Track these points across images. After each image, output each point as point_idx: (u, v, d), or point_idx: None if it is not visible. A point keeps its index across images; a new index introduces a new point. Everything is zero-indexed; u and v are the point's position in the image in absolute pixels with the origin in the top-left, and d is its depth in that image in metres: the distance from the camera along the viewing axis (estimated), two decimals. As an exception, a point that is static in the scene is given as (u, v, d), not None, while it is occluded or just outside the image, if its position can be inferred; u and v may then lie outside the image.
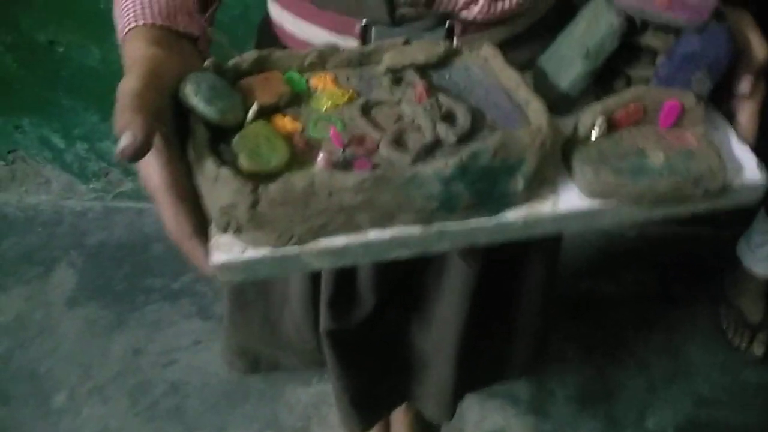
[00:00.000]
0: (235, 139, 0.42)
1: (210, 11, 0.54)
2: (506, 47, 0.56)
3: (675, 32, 0.47)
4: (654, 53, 0.50)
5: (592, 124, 0.46)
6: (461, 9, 0.51)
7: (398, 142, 0.45)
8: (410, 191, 0.41)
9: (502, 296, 0.86)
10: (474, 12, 0.51)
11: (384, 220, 0.43)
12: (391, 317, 0.85)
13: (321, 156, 0.42)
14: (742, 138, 0.51)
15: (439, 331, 0.86)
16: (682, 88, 0.47)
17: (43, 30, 1.24)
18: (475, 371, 0.97)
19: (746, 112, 0.50)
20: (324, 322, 0.76)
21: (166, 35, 0.48)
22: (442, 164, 0.41)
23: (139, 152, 0.38)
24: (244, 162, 0.41)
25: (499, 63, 0.48)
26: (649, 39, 0.48)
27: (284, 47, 0.57)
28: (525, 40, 0.56)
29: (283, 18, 0.56)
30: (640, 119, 0.47)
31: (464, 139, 0.45)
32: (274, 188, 0.40)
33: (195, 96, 0.42)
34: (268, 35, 0.60)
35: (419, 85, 0.47)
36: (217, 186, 0.40)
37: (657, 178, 0.44)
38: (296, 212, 0.41)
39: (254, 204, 0.40)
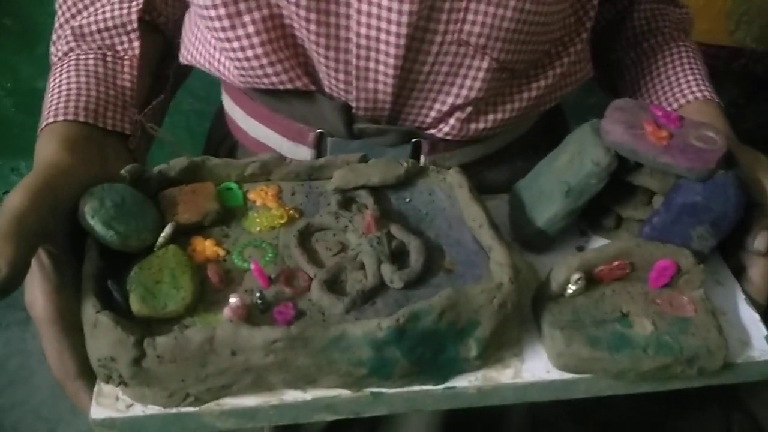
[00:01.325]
0: (132, 272, 0.35)
1: (153, 105, 0.48)
2: (481, 166, 0.49)
3: (676, 174, 0.39)
4: (651, 193, 0.42)
5: (566, 280, 0.38)
6: (429, 127, 0.44)
7: (334, 282, 0.38)
8: (333, 355, 0.34)
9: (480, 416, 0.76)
10: (444, 131, 0.44)
11: (302, 383, 0.35)
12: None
13: (231, 302, 0.34)
14: (752, 299, 0.42)
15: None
16: (680, 242, 0.39)
17: (42, 78, 1.22)
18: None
19: (759, 270, 0.42)
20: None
21: (87, 133, 0.42)
22: (374, 326, 0.33)
23: (5, 286, 0.31)
24: (134, 304, 0.34)
25: (465, 195, 0.41)
26: (645, 179, 0.41)
27: (235, 143, 0.51)
28: (504, 158, 0.50)
29: (235, 113, 0.50)
30: (625, 275, 0.39)
31: (413, 284, 0.38)
32: (163, 342, 0.32)
33: (93, 217, 0.36)
34: (220, 127, 0.54)
35: (368, 215, 0.40)
36: (96, 333, 0.33)
37: (640, 354, 0.36)
38: (191, 371, 0.33)
39: (138, 360, 0.32)
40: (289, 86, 0.42)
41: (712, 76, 1.21)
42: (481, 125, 0.44)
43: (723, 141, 0.38)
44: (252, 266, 0.37)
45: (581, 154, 0.41)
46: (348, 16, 0.38)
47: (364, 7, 0.37)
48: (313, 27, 0.38)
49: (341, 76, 0.41)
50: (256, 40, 0.39)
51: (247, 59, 0.40)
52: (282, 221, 0.41)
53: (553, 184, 0.42)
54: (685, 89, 0.49)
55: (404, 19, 0.37)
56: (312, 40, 0.39)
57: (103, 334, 0.32)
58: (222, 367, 0.33)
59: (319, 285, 0.37)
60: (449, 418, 0.72)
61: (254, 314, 0.36)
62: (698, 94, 0.49)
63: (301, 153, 0.46)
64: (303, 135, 0.45)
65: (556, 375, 0.37)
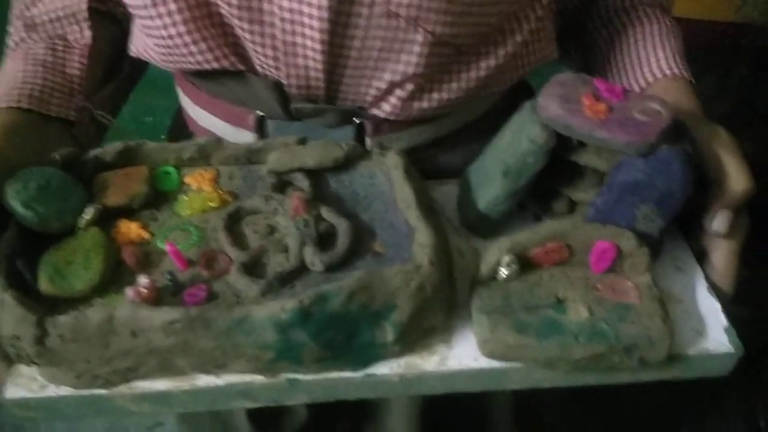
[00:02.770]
0: (46, 253, 0.35)
1: (101, 92, 0.48)
2: (434, 149, 0.47)
3: (621, 152, 0.36)
4: (601, 174, 0.39)
5: (496, 262, 0.36)
6: (370, 106, 0.43)
7: (255, 265, 0.37)
8: (237, 338, 0.32)
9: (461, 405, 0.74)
10: (386, 111, 0.42)
11: (211, 366, 0.34)
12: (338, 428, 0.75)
13: (140, 283, 0.34)
14: (715, 286, 0.39)
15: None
16: (625, 224, 0.36)
17: None
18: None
19: (721, 254, 0.39)
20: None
21: (29, 120, 0.43)
22: (278, 308, 0.32)
23: None
24: (42, 283, 0.34)
25: (399, 176, 0.39)
26: (590, 158, 0.38)
27: (191, 135, 0.50)
28: (459, 141, 0.47)
29: (185, 102, 0.49)
30: (565, 259, 0.37)
31: (336, 267, 0.36)
32: (63, 321, 0.32)
33: (14, 198, 0.36)
34: (178, 120, 0.53)
35: (295, 197, 0.38)
36: (3, 312, 0.32)
37: (571, 341, 0.34)
38: (94, 351, 0.33)
39: (40, 338, 0.32)
40: (215, 65, 0.41)
41: (720, 54, 1.14)
42: (425, 104, 0.42)
43: (668, 113, 0.35)
44: (167, 248, 0.36)
45: (519, 132, 0.38)
46: None
47: None
48: (234, 1, 0.37)
49: (269, 53, 0.40)
50: (178, 17, 0.38)
51: (170, 37, 0.39)
52: (213, 204, 0.40)
53: (495, 165, 0.40)
54: (653, 66, 0.46)
55: None
56: (234, 15, 0.38)
57: (7, 313, 0.32)
58: (124, 349, 0.33)
59: (237, 267, 0.36)
60: (432, 408, 0.70)
61: (165, 296, 0.35)
62: (667, 71, 0.46)
63: (244, 138, 0.45)
64: (243, 119, 0.44)
65: (484, 363, 0.35)
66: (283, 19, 0.38)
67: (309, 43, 0.39)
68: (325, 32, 0.38)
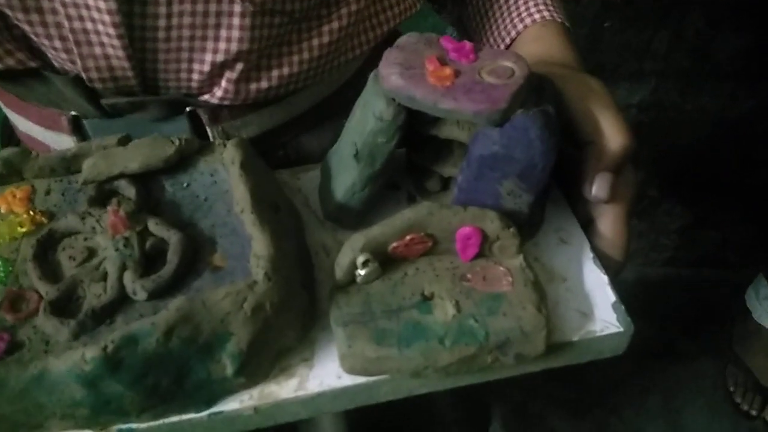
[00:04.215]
0: None
1: None
2: (293, 131, 0.42)
3: (473, 123, 0.32)
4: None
5: (351, 263, 0.31)
6: (200, 93, 0.37)
7: (68, 300, 0.31)
8: (39, 398, 0.27)
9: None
10: (218, 96, 0.37)
11: (25, 430, 0.29)
12: None
13: None
14: (603, 257, 0.35)
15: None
16: (491, 203, 0.32)
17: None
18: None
19: (607, 220, 0.35)
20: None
21: None
22: (78, 358, 0.27)
23: None
24: None
25: (235, 173, 0.34)
26: (452, 130, 0.34)
27: (18, 142, 0.44)
28: (321, 119, 0.42)
29: (4, 108, 0.42)
30: (431, 248, 0.32)
31: (165, 292, 0.31)
32: None
33: None
34: (6, 126, 0.46)
35: (111, 211, 0.33)
36: None
37: (436, 346, 0.30)
38: None
39: None
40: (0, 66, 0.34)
41: (672, 7, 1.09)
42: (264, 84, 0.37)
43: (523, 71, 0.31)
44: (-44, 295, 0.30)
45: (365, 107, 0.33)
46: None
47: None
48: None
49: (58, 44, 0.33)
50: None
51: None
52: (24, 229, 0.34)
53: (348, 147, 0.35)
54: (523, 12, 0.41)
55: None
56: (3, 4, 0.31)
57: None
58: None
59: (44, 307, 0.30)
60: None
61: (-45, 355, 0.29)
62: (536, 16, 0.41)
63: (64, 142, 0.39)
64: (57, 121, 0.38)
65: (349, 380, 0.31)
66: (65, 4, 0.31)
67: (102, 27, 0.32)
68: (115, 14, 0.31)
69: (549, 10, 0.41)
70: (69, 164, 0.37)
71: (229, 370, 0.29)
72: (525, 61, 0.31)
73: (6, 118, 0.47)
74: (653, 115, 1.23)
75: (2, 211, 0.36)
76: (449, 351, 0.30)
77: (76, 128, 0.38)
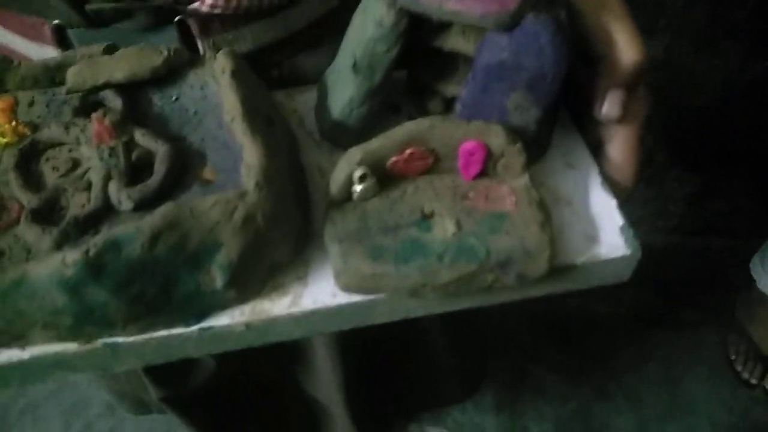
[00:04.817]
0: None
1: None
2: (290, 49, 0.40)
3: (480, 28, 0.30)
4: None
5: (347, 178, 0.30)
6: (189, 1, 0.35)
7: (50, 210, 0.30)
8: (19, 304, 0.26)
9: (387, 340, 0.71)
10: (208, 3, 0.35)
11: (6, 338, 0.28)
12: (261, 367, 0.71)
13: None
14: (612, 181, 0.34)
15: (324, 379, 0.72)
16: (497, 117, 0.31)
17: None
18: (384, 413, 0.83)
19: (617, 142, 0.34)
20: (153, 391, 0.62)
21: None
22: (59, 262, 0.26)
23: None
24: None
25: (225, 82, 0.32)
26: (456, 41, 0.32)
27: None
28: (321, 37, 0.40)
29: None
30: (432, 166, 0.31)
31: (152, 203, 0.30)
32: None
33: None
34: None
35: (96, 120, 0.31)
36: None
37: (434, 263, 0.29)
38: None
39: None
40: None
41: None
42: None
43: (534, -27, 0.29)
44: (-68, 200, 0.29)
45: (365, 14, 0.31)
46: None
47: None
48: None
49: None
50: None
51: None
52: (5, 140, 0.33)
53: (346, 59, 0.33)
54: None
55: None
56: None
57: None
58: None
59: (26, 215, 0.29)
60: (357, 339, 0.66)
61: (-68, 260, 0.28)
62: None
63: (47, 54, 0.37)
64: (39, 30, 0.36)
65: (344, 299, 0.30)
66: None
67: None
68: None
69: None
70: (53, 74, 0.35)
71: (219, 281, 0.28)
72: (538, -38, 0.29)
73: None
74: (664, 75, 1.20)
75: (-17, 122, 0.34)
76: (448, 268, 0.29)
77: (60, 39, 0.36)
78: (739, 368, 1.23)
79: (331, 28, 0.40)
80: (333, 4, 0.40)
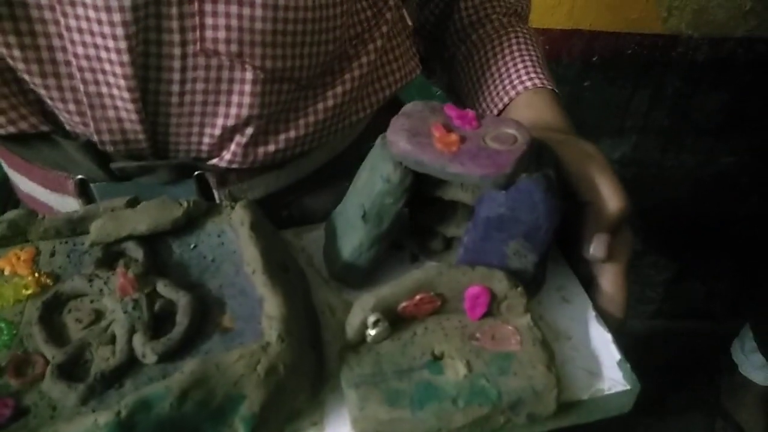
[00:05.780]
0: None
1: None
2: (297, 193, 0.43)
3: (479, 187, 0.33)
4: (473, 208, 0.36)
5: (361, 323, 0.32)
6: (209, 157, 0.38)
7: (75, 364, 0.31)
8: (46, 466, 0.27)
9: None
10: (226, 159, 0.38)
11: (27, 500, 0.28)
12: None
13: None
14: (605, 314, 0.37)
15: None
16: (497, 262, 0.34)
17: None
18: None
19: (607, 279, 0.37)
20: None
21: None
22: (91, 424, 0.27)
23: None
24: None
25: (245, 234, 0.35)
26: (456, 192, 0.35)
27: (18, 202, 0.44)
28: (324, 181, 0.44)
29: (6, 168, 0.43)
30: (439, 307, 0.33)
31: (174, 355, 0.31)
32: None
33: None
34: (5, 187, 0.47)
35: (120, 273, 0.33)
36: None
37: (449, 407, 0.30)
38: None
39: None
40: (12, 130, 0.35)
41: (651, 66, 1.14)
42: (272, 147, 0.38)
43: (525, 137, 0.33)
44: (-39, 360, 0.30)
45: (373, 170, 0.35)
46: (60, 35, 0.32)
47: (73, 22, 0.31)
48: (17, 53, 0.32)
49: (72, 107, 0.35)
50: None
51: None
52: (29, 292, 0.35)
53: (354, 209, 0.36)
54: (515, 80, 0.44)
55: (119, 31, 0.31)
56: (24, 70, 0.33)
57: None
58: None
59: (52, 371, 0.31)
60: None
61: (-42, 423, 0.29)
62: (528, 84, 0.43)
63: (69, 205, 0.39)
64: (63, 184, 0.39)
65: None
66: (81, 69, 0.33)
67: (117, 92, 0.34)
68: (131, 78, 0.33)
69: (540, 78, 0.44)
70: (75, 226, 0.38)
71: (241, 434, 0.30)
72: (526, 128, 0.33)
73: (6, 178, 0.48)
74: (635, 171, 1.28)
75: (6, 273, 0.36)
76: (463, 412, 0.30)
77: (82, 191, 0.39)
78: None
79: (335, 171, 0.43)
80: (336, 152, 0.44)
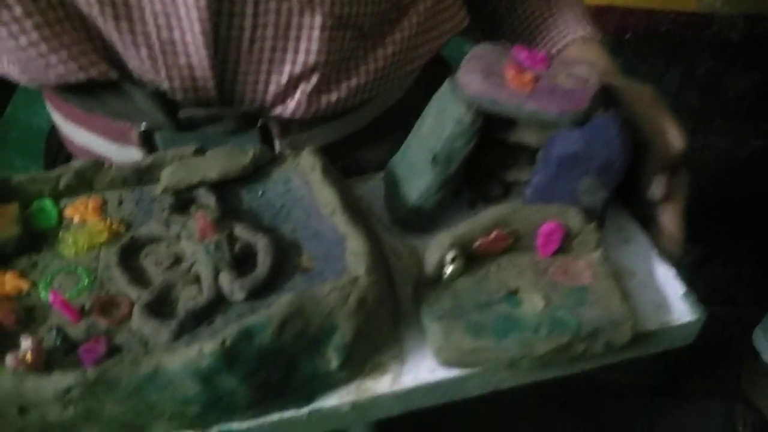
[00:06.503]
0: None
1: None
2: (354, 145, 0.44)
3: (554, 124, 0.34)
4: (535, 151, 0.37)
5: (440, 260, 0.33)
6: (273, 106, 0.39)
7: (162, 303, 0.32)
8: (150, 396, 0.28)
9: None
10: (290, 108, 0.39)
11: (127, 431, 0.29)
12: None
13: (22, 346, 0.28)
14: (666, 252, 0.38)
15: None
16: (567, 200, 0.35)
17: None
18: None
19: (668, 217, 0.38)
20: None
21: None
22: (196, 353, 0.27)
23: None
24: None
25: (318, 178, 0.36)
26: (522, 134, 0.36)
27: (69, 155, 0.44)
28: (379, 132, 0.44)
29: (57, 119, 0.43)
30: (511, 245, 0.34)
31: (260, 293, 0.32)
32: None
33: None
34: (54, 139, 0.47)
35: (200, 216, 0.34)
36: None
37: (531, 337, 0.31)
38: (-30, 441, 0.27)
39: None
40: (82, 76, 0.35)
41: (683, 45, 1.14)
42: (334, 96, 0.39)
43: (597, 77, 0.34)
44: (51, 298, 0.31)
45: (442, 114, 0.36)
46: None
47: None
48: None
49: (143, 53, 0.35)
50: (28, 24, 0.33)
51: (23, 48, 0.34)
52: (102, 238, 0.35)
53: (421, 153, 0.37)
54: (563, 30, 0.45)
55: None
56: (97, 14, 0.33)
57: None
58: (15, 430, 0.27)
59: (140, 310, 0.31)
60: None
61: (56, 358, 0.29)
62: (578, 33, 0.45)
63: (130, 155, 0.40)
64: (126, 134, 0.39)
65: (442, 374, 0.32)
66: (155, 14, 0.33)
67: (189, 38, 0.34)
68: (206, 23, 0.33)
69: (589, 28, 0.45)
70: (142, 175, 0.38)
71: (334, 363, 0.30)
72: (595, 68, 0.34)
73: (52, 134, 0.48)
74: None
75: (75, 221, 0.36)
76: (544, 340, 0.31)
77: (146, 141, 0.39)
78: None
79: (388, 123, 0.44)
80: (390, 103, 0.44)
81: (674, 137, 0.36)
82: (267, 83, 0.37)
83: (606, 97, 0.35)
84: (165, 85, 0.36)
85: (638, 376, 1.34)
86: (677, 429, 1.30)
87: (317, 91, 0.38)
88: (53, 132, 0.46)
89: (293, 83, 0.38)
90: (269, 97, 0.38)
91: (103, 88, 0.38)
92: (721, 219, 1.35)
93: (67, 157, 0.45)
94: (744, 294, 1.42)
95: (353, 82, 0.39)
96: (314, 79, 0.38)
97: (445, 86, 0.36)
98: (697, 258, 1.40)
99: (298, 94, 0.38)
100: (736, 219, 1.35)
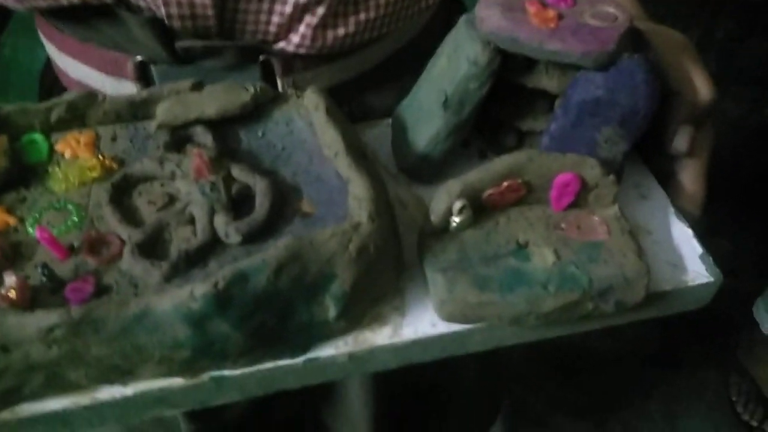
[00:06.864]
0: None
1: None
2: (361, 87, 0.42)
3: (575, 68, 0.32)
4: (553, 98, 0.35)
5: (447, 209, 0.31)
6: (276, 39, 0.36)
7: (154, 243, 0.30)
8: (139, 339, 0.27)
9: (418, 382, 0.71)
10: (294, 42, 0.36)
11: (114, 375, 0.28)
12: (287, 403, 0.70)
13: (6, 282, 0.27)
14: (684, 210, 0.36)
15: (352, 419, 0.72)
16: (586, 150, 0.33)
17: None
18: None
19: (689, 174, 0.36)
20: (184, 424, 0.61)
21: None
22: (187, 295, 0.26)
23: None
24: None
25: (321, 118, 0.34)
26: (540, 79, 0.34)
27: (64, 89, 0.42)
28: (388, 75, 0.42)
29: (51, 50, 0.41)
30: (522, 197, 0.33)
31: (257, 236, 0.31)
32: None
33: None
34: (48, 72, 0.45)
35: (196, 155, 0.32)
36: None
37: (539, 292, 0.30)
38: (-48, 377, 0.26)
39: None
40: (75, 0, 0.33)
41: (702, 7, 1.09)
42: (341, 30, 0.37)
43: (625, 16, 0.31)
44: (37, 234, 0.29)
45: (457, 54, 0.33)
46: None
47: None
48: None
49: None
50: None
51: None
52: (94, 174, 0.34)
53: (432, 96, 0.35)
54: None
55: None
56: None
57: None
58: (-3, 368, 0.26)
59: (131, 250, 0.30)
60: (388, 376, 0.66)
61: (42, 296, 0.28)
62: None
63: (125, 89, 0.38)
64: (121, 65, 0.37)
65: (443, 328, 0.31)
66: None
67: None
68: None
69: None
70: (137, 110, 0.36)
71: (332, 312, 0.29)
72: (625, 7, 0.32)
73: (46, 68, 0.46)
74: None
75: (66, 156, 0.35)
76: (554, 296, 0.30)
77: (142, 74, 0.37)
78: (739, 410, 1.24)
79: (397, 67, 0.42)
80: (400, 44, 0.42)
81: (704, 87, 0.34)
82: (270, 13, 0.35)
83: (634, 40, 0.32)
84: (162, 11, 0.34)
85: (632, 345, 1.34)
86: (671, 398, 1.31)
87: (323, 24, 0.36)
88: (48, 66, 0.44)
89: (298, 15, 0.35)
90: (272, 28, 0.36)
91: (97, 15, 0.35)
92: (725, 190, 1.33)
93: (62, 92, 0.43)
94: (745, 266, 1.41)
95: (362, 16, 0.37)
96: (320, 10, 0.35)
97: (462, 22, 0.33)
98: (699, 230, 1.38)
99: (302, 27, 0.36)
100: (742, 191, 1.32)
